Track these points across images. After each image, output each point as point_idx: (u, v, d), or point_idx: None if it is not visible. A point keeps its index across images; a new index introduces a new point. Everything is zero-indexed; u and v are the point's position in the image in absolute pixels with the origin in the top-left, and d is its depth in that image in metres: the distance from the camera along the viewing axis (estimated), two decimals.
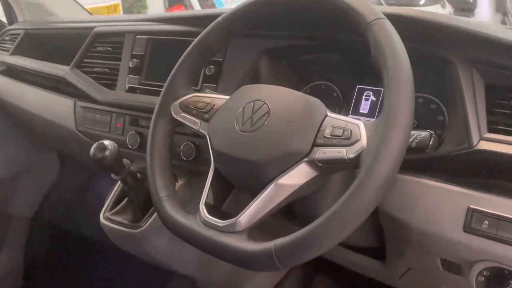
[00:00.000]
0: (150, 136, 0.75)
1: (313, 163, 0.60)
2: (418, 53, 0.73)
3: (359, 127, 0.58)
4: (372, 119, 0.61)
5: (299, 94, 0.66)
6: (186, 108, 0.75)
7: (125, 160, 0.94)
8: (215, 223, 0.63)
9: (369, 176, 0.52)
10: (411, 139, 0.63)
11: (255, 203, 0.61)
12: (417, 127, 0.86)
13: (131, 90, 1.11)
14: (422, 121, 0.86)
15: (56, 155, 1.78)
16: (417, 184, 0.71)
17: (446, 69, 0.72)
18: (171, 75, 0.78)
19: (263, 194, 0.61)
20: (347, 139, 0.58)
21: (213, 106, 0.74)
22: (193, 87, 1.01)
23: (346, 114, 0.96)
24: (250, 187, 0.66)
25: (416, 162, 0.72)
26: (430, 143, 0.61)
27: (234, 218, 0.61)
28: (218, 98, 0.75)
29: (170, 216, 0.67)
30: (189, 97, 0.77)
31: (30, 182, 1.77)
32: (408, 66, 0.57)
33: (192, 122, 0.74)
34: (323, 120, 0.62)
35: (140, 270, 1.55)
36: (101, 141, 0.89)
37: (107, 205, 1.03)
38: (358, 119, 0.60)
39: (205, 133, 0.72)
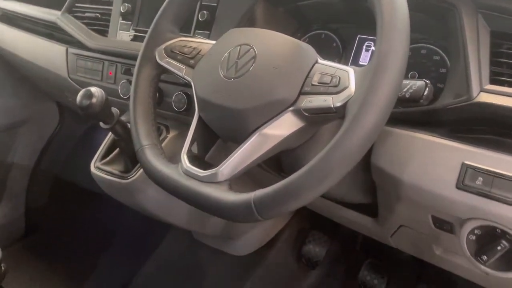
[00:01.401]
0: (133, 82, 0.72)
1: (299, 113, 0.57)
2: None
3: (349, 74, 0.54)
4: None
5: (289, 38, 0.61)
6: (171, 53, 0.71)
7: (113, 109, 0.91)
8: (196, 173, 0.60)
9: (353, 125, 0.49)
10: (404, 89, 0.59)
11: (238, 153, 0.59)
12: (418, 79, 0.81)
13: (123, 36, 1.07)
14: (424, 73, 0.81)
15: (55, 105, 1.76)
16: (411, 138, 0.67)
17: (450, 15, 0.67)
18: (156, 17, 0.74)
19: (246, 144, 0.58)
20: (334, 87, 0.54)
21: (199, 51, 0.70)
22: (185, 34, 0.97)
23: (346, 65, 0.91)
24: (234, 137, 0.63)
25: (412, 115, 0.68)
26: (425, 93, 0.57)
27: (215, 168, 0.59)
28: (205, 43, 0.71)
29: (152, 165, 0.65)
30: (175, 42, 0.72)
31: (30, 132, 1.77)
32: (404, 7, 0.52)
33: (177, 68, 0.70)
34: (312, 67, 0.58)
35: (139, 219, 1.56)
36: (88, 88, 0.86)
37: (98, 155, 1.02)
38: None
39: (190, 80, 0.68)
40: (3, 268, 1.03)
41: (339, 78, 0.54)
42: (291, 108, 0.57)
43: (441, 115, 0.65)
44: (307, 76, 0.57)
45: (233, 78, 0.60)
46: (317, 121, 0.60)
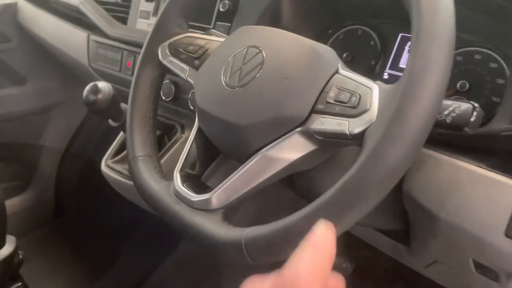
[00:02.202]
0: (133, 82, 0.64)
1: (309, 134, 0.47)
2: None
3: (372, 93, 0.43)
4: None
5: (306, 42, 0.51)
6: (175, 51, 0.62)
7: (123, 105, 0.84)
8: (187, 196, 0.51)
9: (370, 162, 0.38)
10: (445, 112, 0.47)
11: (236, 177, 0.49)
12: (468, 91, 0.68)
13: (142, 25, 0.99)
14: (476, 84, 0.68)
15: None
16: (453, 167, 0.55)
17: None
18: (162, 9, 0.65)
19: (247, 167, 0.49)
20: (353, 108, 0.43)
21: (205, 51, 0.60)
22: (206, 25, 0.88)
23: (383, 68, 0.79)
24: (236, 155, 0.53)
25: (455, 137, 0.56)
26: (472, 119, 0.45)
27: (209, 193, 0.50)
28: (214, 41, 0.61)
29: (142, 180, 0.57)
30: (181, 38, 0.63)
31: (63, 115, 1.75)
32: (450, 8, 0.40)
33: (180, 68, 0.61)
34: (330, 78, 0.47)
35: None
36: (95, 82, 0.79)
37: (110, 152, 0.95)
38: (375, 82, 0.44)
39: (193, 83, 0.59)
40: (20, 256, 1.01)
41: (360, 97, 0.43)
42: (299, 129, 0.47)
43: (493, 142, 0.52)
44: (322, 90, 0.46)
45: (236, 87, 0.51)
46: (331, 145, 0.50)
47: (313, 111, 0.46)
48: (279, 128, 0.47)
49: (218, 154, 0.58)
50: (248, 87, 0.49)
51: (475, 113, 0.45)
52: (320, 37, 0.86)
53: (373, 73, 0.80)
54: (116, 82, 1.05)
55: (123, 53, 1.02)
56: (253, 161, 0.49)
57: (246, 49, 0.53)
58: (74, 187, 1.82)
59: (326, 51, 0.50)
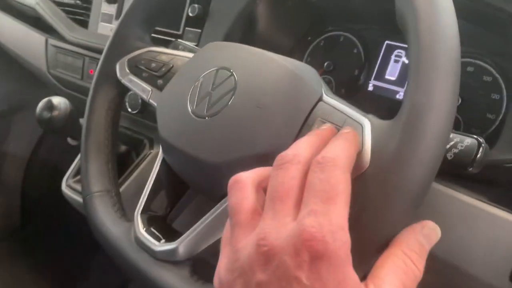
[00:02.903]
0: (87, 105, 0.56)
1: None
2: (469, 4, 0.48)
3: (363, 130, 0.36)
4: (385, 120, 0.39)
5: (284, 61, 0.44)
6: (135, 68, 0.55)
7: (83, 121, 0.76)
8: (149, 244, 0.44)
9: (366, 219, 0.32)
10: (447, 147, 0.41)
11: (206, 222, 0.42)
12: (460, 107, 0.62)
13: (105, 29, 0.90)
14: (468, 99, 0.62)
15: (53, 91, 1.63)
16: (450, 200, 0.49)
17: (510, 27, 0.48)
18: (120, 19, 0.57)
19: (219, 210, 0.42)
20: None
21: (170, 68, 0.53)
22: (174, 31, 0.80)
23: (368, 79, 0.73)
24: (208, 193, 0.47)
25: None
26: (478, 157, 0.39)
27: (175, 242, 0.43)
28: (180, 57, 0.54)
29: (98, 221, 0.49)
30: (142, 53, 0.56)
31: (27, 120, 1.64)
32: (453, 32, 0.33)
33: (141, 88, 0.53)
34: (314, 107, 0.40)
35: None
36: (50, 97, 0.71)
37: (70, 172, 0.87)
38: (365, 115, 0.38)
39: (155, 104, 0.51)
40: None
41: None
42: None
43: (494, 173, 0.47)
44: (304, 122, 0.40)
45: (205, 117, 0.43)
46: None
47: None
48: (255, 166, 0.40)
49: (186, 188, 0.51)
50: (218, 117, 0.42)
51: (481, 150, 0.39)
52: (299, 44, 0.79)
53: (357, 84, 0.73)
54: (78, 91, 0.96)
55: (85, 60, 0.93)
56: (226, 204, 0.42)
57: (215, 70, 0.45)
58: (41, 195, 1.72)
59: (307, 73, 0.43)
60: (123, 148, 0.86)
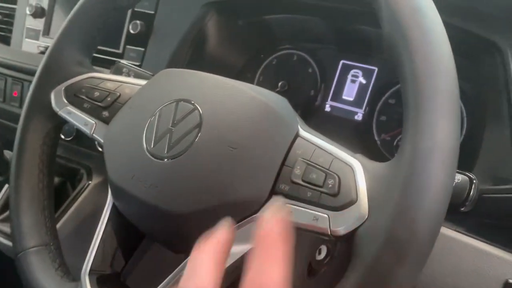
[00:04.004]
0: (16, 142, 0.47)
1: None
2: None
3: (355, 174, 0.32)
4: (370, 160, 0.35)
5: (252, 91, 0.39)
6: (75, 98, 0.47)
7: (7, 153, 0.66)
8: None
9: (366, 283, 0.28)
10: None
11: (168, 279, 0.36)
12: None
13: (30, 47, 0.80)
14: None
15: None
16: None
17: (486, 58, 0.46)
18: (54, 40, 0.49)
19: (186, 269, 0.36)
20: (332, 196, 0.32)
21: (117, 98, 0.46)
22: (113, 49, 0.72)
23: (325, 100, 0.70)
24: (170, 246, 0.40)
25: None
26: (471, 195, 0.36)
27: None
28: (128, 84, 0.47)
29: (36, 283, 0.41)
30: (82, 79, 0.48)
31: None
32: (451, 62, 0.30)
33: (83, 122, 0.46)
34: (292, 145, 0.36)
35: None
36: None
37: None
38: (353, 155, 0.34)
39: (101, 142, 0.44)
40: None
41: (339, 179, 0.32)
42: (257, 215, 0.35)
43: (475, 204, 0.45)
44: (283, 163, 0.35)
45: (165, 158, 0.37)
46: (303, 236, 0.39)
47: (274, 192, 0.34)
48: (228, 217, 0.35)
49: (141, 238, 0.44)
50: (182, 159, 0.36)
51: (473, 188, 0.36)
52: (251, 63, 0.75)
53: (314, 105, 0.70)
54: (1, 116, 0.85)
55: (7, 80, 0.82)
56: None
57: (175, 103, 0.39)
58: None
59: (280, 104, 0.39)
60: (56, 180, 0.76)
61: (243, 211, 0.35)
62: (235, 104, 0.38)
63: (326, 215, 0.31)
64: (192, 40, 0.67)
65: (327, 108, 0.70)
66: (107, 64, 0.63)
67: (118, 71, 0.54)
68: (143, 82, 0.46)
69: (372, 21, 0.59)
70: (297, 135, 0.37)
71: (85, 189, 0.74)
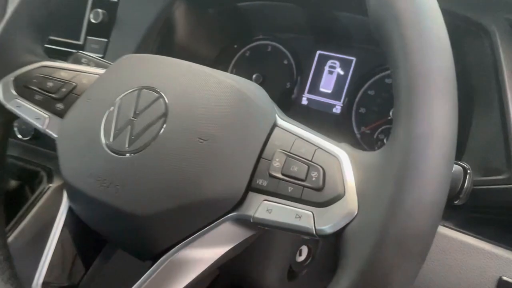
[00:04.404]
0: None
1: (246, 222, 0.31)
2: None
3: (341, 165, 0.28)
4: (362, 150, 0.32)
5: (225, 78, 0.35)
6: (25, 89, 0.42)
7: None
8: None
9: (361, 282, 0.24)
10: None
11: None
12: None
13: None
14: None
15: None
16: None
17: (474, 41, 0.44)
18: (1, 25, 0.44)
19: (151, 278, 0.32)
20: (316, 190, 0.28)
21: (73, 88, 0.41)
22: (73, 40, 0.67)
23: (301, 92, 0.67)
24: (133, 252, 0.36)
25: None
26: (465, 187, 0.33)
27: None
28: (85, 73, 0.42)
29: None
30: (34, 69, 0.43)
31: None
32: (447, 40, 0.27)
33: (34, 116, 0.41)
34: (269, 136, 0.32)
35: None
36: None
37: None
38: (338, 143, 0.30)
39: (55, 136, 0.39)
40: None
41: (323, 171, 0.29)
42: (231, 215, 0.31)
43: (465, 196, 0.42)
44: (260, 155, 0.31)
45: (126, 153, 0.33)
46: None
47: (251, 188, 0.31)
48: (199, 217, 0.31)
49: (103, 243, 0.40)
50: (146, 153, 0.32)
51: (468, 177, 0.33)
52: (223, 54, 0.71)
53: (290, 98, 0.67)
54: None
55: None
56: (162, 267, 0.32)
57: (137, 91, 0.35)
58: None
59: (254, 91, 0.35)
60: (13, 183, 0.70)
61: (216, 211, 0.31)
62: (205, 91, 0.34)
63: (310, 212, 0.28)
64: (159, 30, 0.63)
65: (304, 101, 0.66)
66: (66, 57, 0.58)
67: (77, 61, 0.49)
68: (102, 71, 0.41)
69: (350, 6, 0.56)
70: (274, 125, 0.33)
71: (44, 192, 0.68)
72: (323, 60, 0.66)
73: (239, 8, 0.65)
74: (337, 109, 0.64)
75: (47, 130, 0.40)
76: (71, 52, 0.65)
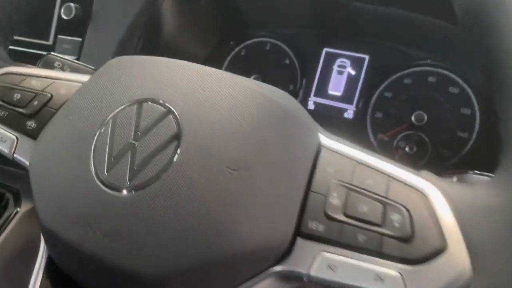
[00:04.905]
0: None
1: (295, 278, 0.23)
2: None
3: (431, 202, 0.21)
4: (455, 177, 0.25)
5: (245, 81, 0.27)
6: None
7: None
8: None
9: None
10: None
11: None
12: (426, 125, 0.52)
13: None
14: (434, 116, 0.52)
15: None
16: None
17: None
18: None
19: None
20: (401, 240, 0.21)
21: (47, 101, 0.32)
22: (42, 41, 0.58)
23: (307, 96, 0.59)
24: None
25: None
26: None
27: None
28: (64, 81, 0.33)
29: None
30: None
31: None
32: None
33: None
34: (316, 159, 0.24)
35: None
36: None
37: None
38: (417, 173, 0.23)
39: (26, 163, 0.30)
40: None
41: (407, 213, 0.21)
42: (276, 269, 0.23)
43: None
44: (308, 188, 0.23)
45: (126, 189, 0.24)
46: None
47: (301, 234, 0.23)
48: (231, 276, 0.23)
49: None
50: (154, 190, 0.24)
51: None
52: (216, 53, 0.63)
53: None
54: None
55: None
56: None
57: (136, 104, 0.27)
58: None
59: (286, 99, 0.28)
60: None
61: (255, 265, 0.23)
62: (227, 101, 0.25)
63: (396, 273, 0.20)
64: (143, 27, 0.54)
65: (311, 106, 0.59)
66: (34, 60, 0.49)
67: (49, 66, 0.40)
68: (85, 77, 0.33)
69: None
70: (319, 145, 0.25)
71: (12, 218, 0.58)
72: (331, 58, 0.58)
73: (234, 1, 0.57)
74: (349, 114, 0.57)
75: (16, 156, 0.31)
76: (39, 54, 0.55)
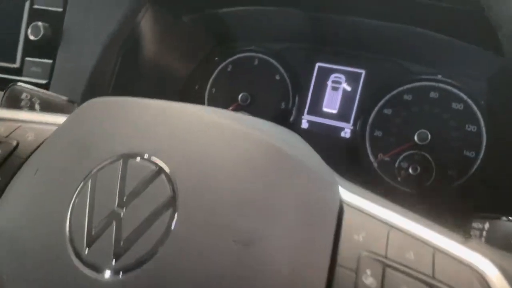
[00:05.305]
0: None
1: None
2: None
3: (488, 282, 0.17)
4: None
5: (243, 126, 0.23)
6: None
7: None
8: None
9: None
10: None
11: None
12: (430, 144, 0.49)
13: None
14: (438, 134, 0.49)
15: None
16: None
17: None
18: None
19: None
20: None
21: (12, 151, 0.27)
22: (8, 64, 0.52)
23: (300, 114, 0.56)
24: None
25: None
26: None
27: None
28: (32, 124, 0.28)
29: None
30: None
31: None
32: None
33: None
34: (339, 223, 0.20)
35: None
36: None
37: None
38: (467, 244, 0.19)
39: None
40: None
41: None
42: None
43: None
44: (333, 262, 0.19)
45: (111, 272, 0.20)
46: None
47: None
48: None
49: None
50: (146, 272, 0.19)
51: None
52: (200, 70, 0.58)
53: (287, 121, 0.55)
54: None
55: None
56: None
57: (120, 161, 0.22)
58: None
59: (295, 143, 0.24)
60: None
61: None
62: (228, 154, 0.21)
63: None
64: (121, 45, 0.49)
65: (304, 125, 0.55)
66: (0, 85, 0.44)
67: (14, 100, 0.35)
68: (56, 118, 0.28)
69: (363, 8, 0.45)
70: (341, 203, 0.21)
71: None
72: (324, 74, 0.55)
73: (219, 15, 0.53)
74: (346, 133, 0.53)
75: None
76: (4, 79, 0.50)
